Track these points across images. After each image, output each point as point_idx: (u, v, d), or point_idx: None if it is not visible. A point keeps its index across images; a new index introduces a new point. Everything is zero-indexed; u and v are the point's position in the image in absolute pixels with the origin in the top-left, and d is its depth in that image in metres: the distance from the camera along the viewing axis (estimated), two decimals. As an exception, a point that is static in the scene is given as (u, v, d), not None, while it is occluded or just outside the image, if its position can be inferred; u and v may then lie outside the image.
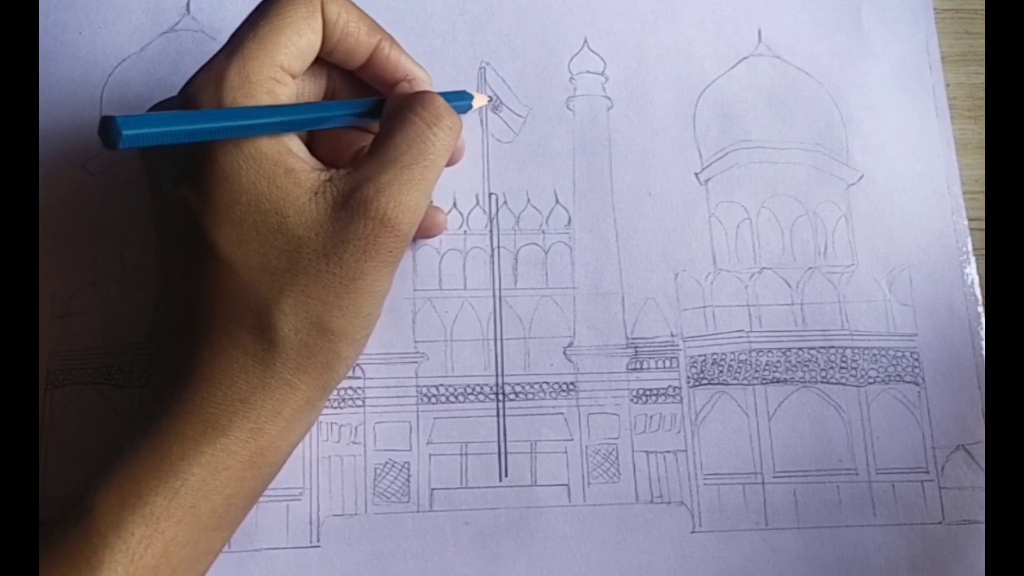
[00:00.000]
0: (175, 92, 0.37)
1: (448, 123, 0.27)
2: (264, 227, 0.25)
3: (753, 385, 0.34)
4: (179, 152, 0.26)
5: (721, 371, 0.34)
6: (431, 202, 0.32)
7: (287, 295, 0.25)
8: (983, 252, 0.36)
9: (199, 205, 0.25)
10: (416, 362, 0.34)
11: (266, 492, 0.32)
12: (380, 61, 0.29)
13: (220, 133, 0.25)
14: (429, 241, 0.35)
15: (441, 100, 0.28)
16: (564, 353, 0.34)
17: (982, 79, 0.38)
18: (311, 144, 0.29)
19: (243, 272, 0.25)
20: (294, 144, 0.27)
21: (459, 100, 0.33)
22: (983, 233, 0.36)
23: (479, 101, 0.34)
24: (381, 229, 0.26)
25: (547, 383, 0.34)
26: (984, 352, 0.34)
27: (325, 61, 0.29)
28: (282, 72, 0.27)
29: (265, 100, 0.26)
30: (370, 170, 0.26)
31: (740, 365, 0.34)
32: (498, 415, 0.33)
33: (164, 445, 0.25)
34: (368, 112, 0.29)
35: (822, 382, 0.34)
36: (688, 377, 0.34)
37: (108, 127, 0.22)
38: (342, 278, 0.26)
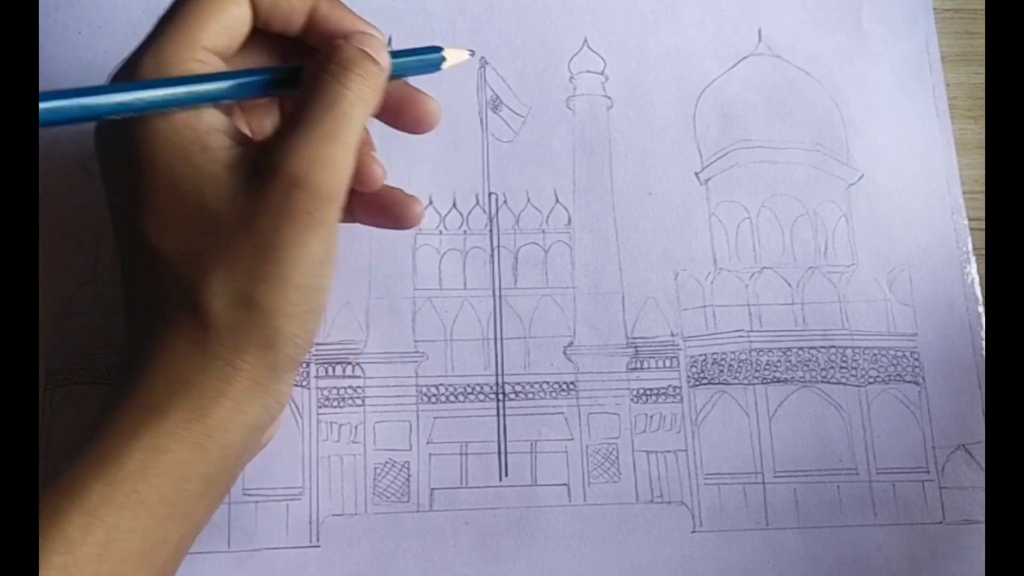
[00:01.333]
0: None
1: (360, 71, 0.26)
2: (184, 208, 0.25)
3: (753, 385, 0.34)
4: (106, 141, 0.26)
5: (721, 371, 0.34)
6: (407, 193, 0.30)
7: (213, 274, 0.25)
8: (983, 252, 0.36)
9: (124, 195, 0.25)
10: (416, 361, 0.34)
11: (265, 491, 0.32)
12: (320, 22, 0.28)
13: (123, 109, 0.24)
14: (429, 241, 0.35)
15: (354, 49, 0.26)
16: (564, 353, 0.34)
17: (982, 79, 0.38)
18: (250, 125, 0.28)
19: (170, 257, 0.25)
20: (213, 119, 0.26)
21: (426, 54, 0.30)
22: (983, 233, 0.36)
23: (455, 57, 0.30)
24: (294, 190, 0.24)
25: (547, 383, 0.34)
26: (984, 352, 0.34)
27: (267, 36, 0.28)
28: (207, 53, 0.26)
29: None
30: (281, 133, 0.25)
31: (740, 365, 0.34)
32: (498, 415, 0.33)
33: (105, 433, 0.24)
34: (286, 79, 0.27)
35: (822, 382, 0.34)
36: (688, 377, 0.34)
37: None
38: (262, 248, 0.24)
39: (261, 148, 0.25)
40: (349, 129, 0.25)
